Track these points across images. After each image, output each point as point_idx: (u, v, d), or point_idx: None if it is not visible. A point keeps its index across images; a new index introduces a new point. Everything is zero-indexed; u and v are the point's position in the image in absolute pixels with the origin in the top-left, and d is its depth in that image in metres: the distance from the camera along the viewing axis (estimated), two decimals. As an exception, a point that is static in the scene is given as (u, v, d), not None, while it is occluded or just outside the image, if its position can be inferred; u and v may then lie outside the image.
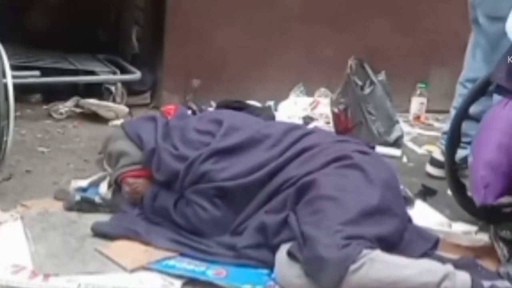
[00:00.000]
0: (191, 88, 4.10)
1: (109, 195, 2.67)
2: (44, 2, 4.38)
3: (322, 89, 4.23)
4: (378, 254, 2.11)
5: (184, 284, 2.19)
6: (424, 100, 4.29)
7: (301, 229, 2.19)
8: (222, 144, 2.52)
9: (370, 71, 3.72)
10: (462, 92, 3.13)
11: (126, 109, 3.85)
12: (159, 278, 2.21)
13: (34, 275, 2.15)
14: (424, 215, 2.75)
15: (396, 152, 3.61)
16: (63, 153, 3.27)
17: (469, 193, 2.70)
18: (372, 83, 3.70)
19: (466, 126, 2.76)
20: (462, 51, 3.28)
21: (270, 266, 2.25)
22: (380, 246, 2.16)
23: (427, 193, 3.03)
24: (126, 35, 4.41)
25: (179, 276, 2.21)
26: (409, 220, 2.49)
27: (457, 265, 2.19)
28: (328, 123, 3.90)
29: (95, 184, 2.78)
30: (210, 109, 3.87)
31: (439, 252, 2.42)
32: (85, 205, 2.59)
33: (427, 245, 2.40)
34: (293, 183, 2.36)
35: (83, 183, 2.79)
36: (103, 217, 2.53)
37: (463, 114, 2.74)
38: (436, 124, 4.22)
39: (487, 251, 2.46)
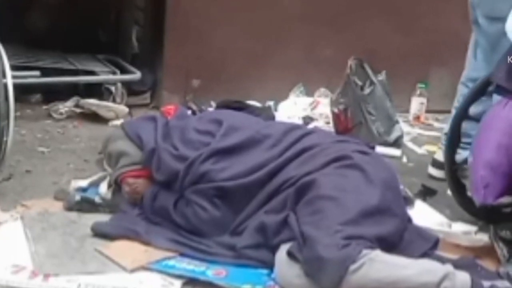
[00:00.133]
0: (191, 88, 4.10)
1: (109, 195, 2.67)
2: (44, 2, 4.38)
3: (322, 89, 4.23)
4: (378, 254, 2.11)
5: (184, 284, 2.19)
6: (424, 100, 4.29)
7: (301, 229, 2.20)
8: (222, 144, 2.53)
9: (370, 71, 3.72)
10: (464, 93, 3.13)
11: (126, 109, 3.86)
12: (159, 278, 2.21)
13: (34, 275, 2.15)
14: (424, 215, 2.75)
15: (396, 152, 3.61)
16: (63, 153, 3.27)
17: (469, 193, 2.70)
18: (372, 83, 3.70)
19: (466, 126, 2.76)
20: (462, 51, 3.28)
21: (270, 266, 2.25)
22: (380, 246, 2.16)
23: (427, 193, 3.03)
24: (126, 35, 4.41)
25: (179, 276, 2.21)
26: (409, 220, 2.49)
27: (457, 265, 2.19)
28: (328, 123, 3.90)
29: (95, 184, 2.78)
30: (210, 109, 3.87)
31: (439, 252, 2.42)
32: (85, 205, 2.59)
33: (427, 245, 2.40)
34: (293, 183, 2.36)
35: (83, 183, 2.79)
36: (103, 217, 2.53)
37: (463, 114, 2.74)
38: (436, 124, 4.22)
39: (487, 251, 2.46)
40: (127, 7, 4.42)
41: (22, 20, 4.20)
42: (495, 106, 2.54)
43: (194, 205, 2.44)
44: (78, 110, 3.83)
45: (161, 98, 4.08)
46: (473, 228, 2.65)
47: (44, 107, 3.89)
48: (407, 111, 4.31)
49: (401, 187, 2.69)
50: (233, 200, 2.43)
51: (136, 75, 4.05)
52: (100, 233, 2.41)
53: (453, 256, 2.41)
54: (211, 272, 2.25)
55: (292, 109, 4.07)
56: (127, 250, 2.33)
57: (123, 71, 4.12)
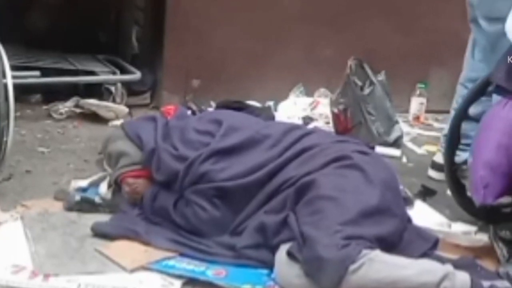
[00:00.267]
0: (191, 88, 4.10)
1: (109, 195, 2.67)
2: (44, 2, 4.38)
3: (322, 90, 4.23)
4: (377, 254, 2.11)
5: (183, 284, 2.20)
6: (423, 100, 4.29)
7: (300, 229, 2.20)
8: (222, 144, 2.53)
9: (369, 71, 3.72)
10: (463, 93, 3.13)
11: (126, 110, 3.86)
12: (159, 278, 2.21)
13: (34, 275, 2.15)
14: (423, 215, 2.76)
15: (395, 152, 3.61)
16: (63, 153, 3.27)
17: (468, 193, 2.70)
18: (371, 83, 3.70)
19: (466, 127, 2.76)
20: (462, 51, 3.28)
21: (269, 266, 2.26)
22: (379, 246, 2.16)
23: (426, 193, 3.04)
24: (126, 35, 4.41)
25: (178, 276, 2.21)
26: (408, 220, 2.49)
27: (457, 265, 2.19)
28: (327, 123, 3.90)
29: (95, 184, 2.78)
30: (210, 109, 3.87)
31: (439, 252, 2.42)
32: (85, 205, 2.59)
33: (426, 245, 2.40)
34: (293, 183, 2.36)
35: (83, 183, 2.79)
36: (103, 217, 2.53)
37: (462, 115, 2.74)
38: (436, 124, 4.22)
39: (486, 251, 2.46)
40: (127, 7, 4.41)
41: (22, 20, 4.20)
42: (494, 106, 2.54)
43: (194, 205, 2.44)
44: (78, 110, 3.83)
45: (161, 98, 4.08)
46: (473, 228, 2.65)
47: (44, 107, 3.88)
48: (406, 111, 4.31)
49: (401, 187, 2.70)
50: (233, 200, 2.44)
51: (136, 75, 4.05)
52: (100, 233, 2.41)
53: (453, 256, 2.41)
54: (211, 272, 2.25)
55: (292, 109, 4.07)
56: (127, 250, 2.33)
57: (123, 71, 4.12)
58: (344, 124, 3.70)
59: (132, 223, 2.48)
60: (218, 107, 3.79)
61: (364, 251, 2.09)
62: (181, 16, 4.04)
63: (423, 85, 4.27)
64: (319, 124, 3.89)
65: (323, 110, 4.02)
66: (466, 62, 3.22)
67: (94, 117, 3.79)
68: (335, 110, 3.74)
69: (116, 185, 2.67)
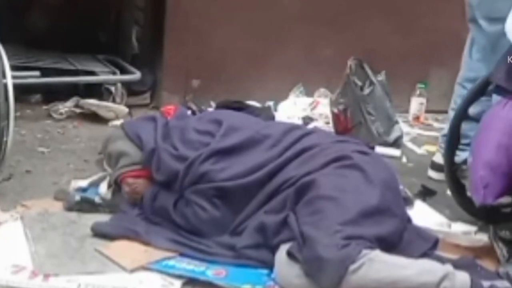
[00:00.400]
0: (191, 89, 4.10)
1: (109, 195, 2.67)
2: (44, 2, 4.38)
3: (322, 90, 4.23)
4: (377, 254, 2.11)
5: (183, 284, 2.20)
6: (423, 100, 4.29)
7: (300, 229, 2.20)
8: (222, 144, 2.53)
9: (369, 72, 3.72)
10: (461, 93, 3.13)
11: (126, 110, 3.86)
12: (159, 278, 2.21)
13: (34, 275, 2.15)
14: (423, 215, 2.76)
15: (395, 152, 3.61)
16: (63, 153, 3.27)
17: (468, 193, 2.70)
18: (371, 83, 3.70)
19: (465, 127, 2.76)
20: (462, 51, 3.27)
21: (269, 266, 2.26)
22: (379, 246, 2.16)
23: (426, 194, 3.04)
24: (126, 36, 4.41)
25: (178, 276, 2.21)
26: (408, 220, 2.49)
27: (457, 265, 2.19)
28: (327, 123, 3.90)
29: (95, 184, 2.78)
30: (210, 109, 3.87)
31: (439, 252, 2.42)
32: (85, 205, 2.59)
33: (426, 245, 2.40)
34: (293, 183, 2.36)
35: (83, 183, 2.79)
36: (103, 217, 2.53)
37: (462, 115, 2.74)
38: (436, 124, 4.22)
39: (486, 251, 2.47)
40: (127, 7, 4.41)
41: (22, 20, 4.20)
42: (494, 106, 2.54)
43: (194, 205, 2.44)
44: (78, 110, 3.83)
45: (161, 98, 4.08)
46: (473, 228, 2.65)
47: (44, 107, 3.89)
48: (406, 111, 4.31)
49: (401, 187, 2.70)
50: (233, 200, 2.44)
51: (136, 75, 4.05)
52: (100, 233, 2.41)
53: (453, 256, 2.42)
54: (211, 272, 2.25)
55: (292, 109, 4.07)
56: (127, 250, 2.33)
57: (123, 71, 4.12)
58: (344, 124, 3.70)
59: (132, 223, 2.48)
60: (218, 107, 3.79)
61: (364, 251, 2.09)
62: (181, 16, 4.04)
63: (423, 85, 4.27)
64: (319, 124, 3.89)
65: (323, 110, 4.02)
66: (464, 62, 3.22)
67: (94, 117, 3.79)
68: (335, 110, 3.74)
69: (116, 185, 2.67)
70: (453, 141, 2.76)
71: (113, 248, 2.33)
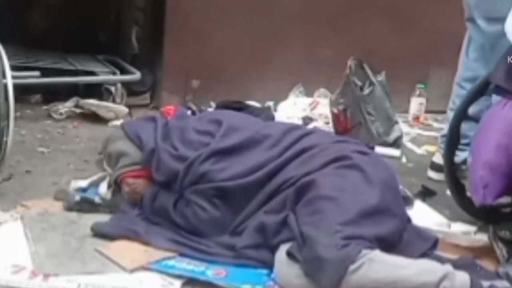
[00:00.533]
0: (191, 89, 4.10)
1: (108, 195, 2.67)
2: (44, 2, 4.38)
3: (322, 90, 4.23)
4: (377, 254, 2.11)
5: (183, 284, 2.20)
6: (423, 100, 4.30)
7: (300, 229, 2.20)
8: (222, 145, 2.53)
9: (369, 72, 3.72)
10: (459, 93, 3.13)
11: (126, 110, 3.86)
12: (159, 278, 2.21)
13: (34, 275, 2.15)
14: (423, 215, 2.76)
15: (395, 152, 3.61)
16: (63, 153, 3.27)
17: (468, 194, 2.70)
18: (371, 83, 3.71)
19: (464, 126, 2.76)
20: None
21: (269, 266, 2.26)
22: (379, 246, 2.16)
23: (426, 194, 3.04)
24: (126, 36, 4.41)
25: (178, 276, 2.22)
26: (408, 220, 2.49)
27: (456, 265, 2.19)
28: (327, 123, 3.90)
29: (95, 185, 2.78)
30: (210, 109, 3.87)
31: (438, 252, 2.42)
32: (85, 205, 2.59)
33: (426, 245, 2.40)
34: (293, 183, 2.37)
35: (83, 183, 2.79)
36: (103, 217, 2.53)
37: (462, 115, 2.74)
38: (435, 125, 4.22)
39: (486, 251, 2.47)
40: (127, 8, 4.42)
41: (22, 20, 4.20)
42: (494, 106, 2.54)
43: (194, 205, 2.44)
44: (78, 111, 3.83)
45: (161, 99, 4.09)
46: (473, 228, 2.65)
47: (44, 107, 3.89)
48: (406, 111, 4.31)
49: (401, 187, 2.70)
50: (232, 200, 2.44)
51: (136, 75, 4.06)
52: (100, 233, 2.41)
53: (453, 256, 2.42)
54: (211, 272, 2.25)
55: (292, 109, 4.07)
56: (127, 250, 2.33)
57: (123, 71, 4.12)
58: (344, 124, 3.70)
59: (132, 223, 2.48)
60: (218, 107, 3.79)
61: (364, 251, 2.09)
62: (181, 16, 4.04)
63: (422, 85, 4.27)
64: (318, 124, 3.90)
65: (322, 110, 4.02)
66: (461, 61, 3.23)
67: (94, 117, 3.79)
68: (335, 110, 3.74)
69: (116, 185, 2.68)
70: (453, 141, 2.76)
71: (113, 248, 2.34)
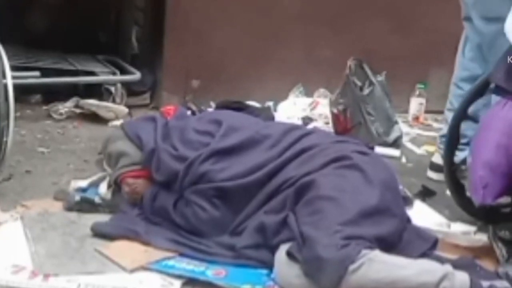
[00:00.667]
0: (191, 89, 4.10)
1: (108, 196, 2.68)
2: (44, 2, 4.38)
3: (321, 90, 4.23)
4: (377, 254, 2.11)
5: (183, 284, 2.20)
6: (423, 100, 4.30)
7: (300, 229, 2.20)
8: (222, 145, 2.53)
9: (369, 72, 3.73)
10: (457, 93, 3.14)
11: (126, 110, 3.86)
12: (159, 278, 2.21)
13: (34, 275, 2.15)
14: (423, 215, 2.76)
15: (395, 152, 3.62)
16: (63, 153, 3.27)
17: (468, 194, 2.70)
18: (371, 83, 3.71)
19: (462, 126, 2.76)
20: (461, 52, 3.29)
21: (269, 266, 2.26)
22: (379, 246, 2.16)
23: (426, 194, 3.04)
24: (125, 36, 4.41)
25: (178, 276, 2.22)
26: (408, 220, 2.49)
27: (456, 265, 2.19)
28: (327, 123, 3.90)
29: (95, 185, 2.78)
30: (210, 109, 3.87)
31: (438, 252, 2.42)
32: (85, 206, 2.59)
33: (426, 245, 2.40)
34: (292, 183, 2.37)
35: (83, 183, 2.80)
36: (103, 217, 2.53)
37: (462, 115, 2.74)
38: (435, 125, 4.22)
39: (486, 251, 2.47)
40: (127, 8, 4.42)
41: (22, 20, 4.20)
42: (494, 106, 2.54)
43: (194, 205, 2.44)
44: (78, 111, 3.83)
45: (161, 99, 4.09)
46: (472, 228, 2.65)
47: (44, 107, 3.89)
48: (406, 111, 4.31)
49: (400, 187, 2.70)
50: (232, 200, 2.44)
51: (136, 75, 4.06)
52: (100, 233, 2.41)
53: (452, 256, 2.42)
54: (211, 272, 2.25)
55: (292, 109, 4.07)
56: (127, 250, 2.33)
57: (123, 71, 4.12)
58: (344, 124, 3.70)
59: (132, 223, 2.48)
60: (218, 107, 3.79)
61: (364, 251, 2.09)
62: (181, 16, 4.04)
63: (422, 86, 4.27)
64: (318, 124, 3.90)
65: (322, 111, 4.02)
66: (458, 61, 3.23)
67: (94, 117, 3.79)
68: (335, 111, 3.75)
69: (116, 185, 2.68)
70: (453, 141, 2.76)
71: (113, 248, 2.34)
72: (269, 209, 2.39)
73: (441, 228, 2.65)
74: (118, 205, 2.62)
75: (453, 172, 2.78)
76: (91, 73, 4.05)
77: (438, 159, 3.23)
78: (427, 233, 2.48)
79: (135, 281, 2.19)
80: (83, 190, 2.74)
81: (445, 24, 4.17)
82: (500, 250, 2.41)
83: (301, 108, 4.09)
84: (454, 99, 3.15)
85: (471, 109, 2.71)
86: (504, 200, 2.51)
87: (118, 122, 3.62)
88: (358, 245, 2.11)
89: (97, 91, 4.00)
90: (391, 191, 2.38)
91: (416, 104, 4.30)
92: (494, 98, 2.59)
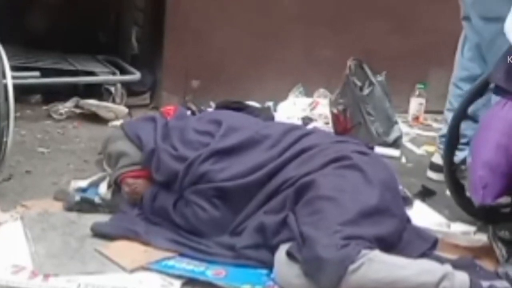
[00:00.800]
0: (191, 89, 4.10)
1: (108, 196, 2.68)
2: (44, 2, 4.38)
3: (321, 90, 4.23)
4: (376, 254, 2.12)
5: (183, 284, 2.20)
6: (422, 100, 4.30)
7: (300, 229, 2.20)
8: (221, 145, 2.53)
9: (369, 72, 3.73)
10: (456, 93, 3.14)
11: (126, 110, 3.86)
12: (159, 278, 2.21)
13: (34, 275, 2.15)
14: (423, 215, 2.76)
15: (395, 152, 3.62)
16: (63, 153, 3.27)
17: (467, 194, 2.70)
18: (371, 83, 3.71)
19: (461, 126, 2.76)
20: (461, 52, 3.29)
21: (269, 266, 2.26)
22: (379, 246, 2.16)
23: (426, 194, 3.04)
24: (125, 36, 4.41)
25: (178, 276, 2.22)
26: (408, 220, 2.50)
27: (456, 265, 2.20)
28: (327, 123, 3.90)
29: (95, 185, 2.79)
30: (210, 109, 3.87)
31: (438, 252, 2.42)
32: (85, 206, 2.60)
33: (425, 245, 2.41)
34: (292, 183, 2.37)
35: (83, 183, 2.80)
36: (103, 218, 2.53)
37: (462, 115, 2.74)
38: (435, 125, 4.22)
39: (485, 251, 2.47)
40: (127, 8, 4.42)
41: (22, 20, 4.20)
42: (494, 106, 2.54)
43: (194, 205, 2.44)
44: (78, 111, 3.84)
45: (161, 99, 4.09)
46: (472, 228, 2.65)
47: (44, 107, 3.89)
48: (406, 111, 4.31)
49: (400, 187, 2.70)
50: (232, 201, 2.44)
51: (136, 75, 4.06)
52: (99, 233, 2.42)
53: (452, 256, 2.42)
54: (211, 272, 2.25)
55: (291, 109, 4.07)
56: (127, 250, 2.33)
57: (123, 71, 4.12)
58: (344, 124, 3.70)
59: (132, 223, 2.48)
60: (218, 107, 3.79)
61: (364, 251, 2.09)
62: (181, 16, 4.04)
63: (422, 86, 4.28)
64: (318, 124, 3.90)
65: (322, 111, 4.02)
66: (457, 61, 3.23)
67: (94, 118, 3.79)
68: (335, 111, 3.75)
69: (116, 185, 2.68)
70: (453, 141, 2.76)
71: (113, 248, 2.34)
72: (269, 209, 2.39)
73: (441, 228, 2.65)
74: (118, 205, 2.62)
75: (453, 172, 2.78)
76: (91, 73, 4.06)
77: (438, 159, 3.23)
78: (427, 233, 2.49)
79: (135, 281, 2.19)
80: (83, 190, 2.74)
81: (445, 24, 4.17)
82: (500, 250, 2.41)
83: (301, 108, 4.09)
84: (453, 99, 3.16)
85: (470, 109, 2.71)
86: (504, 200, 2.50)
87: (118, 122, 3.62)
88: (358, 245, 2.11)
89: (97, 91, 4.00)
90: (391, 191, 2.38)
91: (415, 104, 4.31)
92: (494, 98, 2.59)
